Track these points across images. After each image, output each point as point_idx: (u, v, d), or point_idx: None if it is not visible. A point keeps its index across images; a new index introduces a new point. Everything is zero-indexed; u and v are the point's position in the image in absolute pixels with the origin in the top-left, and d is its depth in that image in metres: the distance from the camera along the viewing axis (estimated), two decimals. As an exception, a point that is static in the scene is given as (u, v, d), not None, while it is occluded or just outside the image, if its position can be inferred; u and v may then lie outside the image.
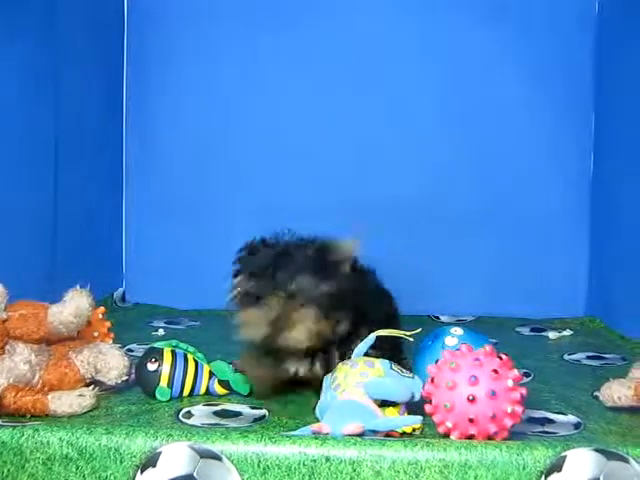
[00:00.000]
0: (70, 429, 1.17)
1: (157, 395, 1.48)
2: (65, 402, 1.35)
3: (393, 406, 1.31)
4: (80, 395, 1.38)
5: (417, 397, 1.31)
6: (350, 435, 1.18)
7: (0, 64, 1.73)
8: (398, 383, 1.32)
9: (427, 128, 2.37)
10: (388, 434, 1.24)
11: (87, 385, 1.44)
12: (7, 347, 1.40)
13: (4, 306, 1.42)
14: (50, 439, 1.15)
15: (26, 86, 1.85)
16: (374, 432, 1.22)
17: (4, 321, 1.40)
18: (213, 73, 2.43)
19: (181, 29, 2.43)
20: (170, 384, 1.49)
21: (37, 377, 1.41)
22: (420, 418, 1.26)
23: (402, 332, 1.46)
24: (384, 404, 1.30)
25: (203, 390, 1.52)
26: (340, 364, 1.38)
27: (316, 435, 1.19)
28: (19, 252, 1.79)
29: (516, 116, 2.36)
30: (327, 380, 1.37)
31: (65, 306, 1.44)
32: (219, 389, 1.52)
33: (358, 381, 1.30)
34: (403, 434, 1.26)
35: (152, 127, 2.46)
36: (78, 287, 1.47)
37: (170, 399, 1.48)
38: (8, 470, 1.15)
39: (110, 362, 1.48)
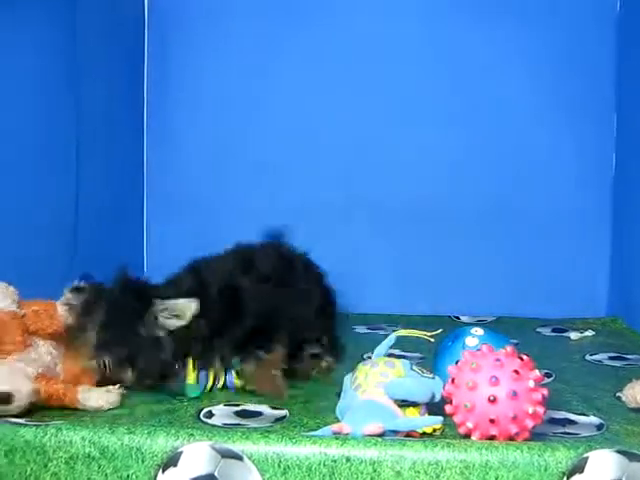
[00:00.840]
0: (92, 428, 1.17)
1: (187, 392, 1.48)
2: (94, 396, 1.38)
3: (413, 406, 1.30)
4: (107, 391, 1.41)
5: (438, 397, 1.31)
6: (371, 435, 1.18)
7: (22, 64, 1.74)
8: (419, 383, 1.31)
9: (444, 128, 2.37)
10: (408, 434, 1.23)
11: None
12: (28, 341, 1.41)
13: (17, 303, 1.43)
14: (73, 438, 1.16)
15: (47, 85, 1.86)
16: (395, 432, 1.22)
17: (22, 317, 1.42)
18: (232, 72, 2.44)
19: (200, 28, 2.44)
20: (197, 379, 1.50)
21: (59, 369, 1.44)
22: (441, 419, 1.25)
23: (423, 332, 1.46)
24: (404, 404, 1.29)
25: (221, 383, 1.53)
26: (360, 364, 1.38)
27: (337, 435, 1.19)
28: (40, 251, 1.80)
29: (537, 116, 2.35)
30: (347, 381, 1.37)
31: None
32: (237, 381, 1.53)
33: (379, 381, 1.29)
34: (423, 434, 1.25)
35: (172, 126, 2.47)
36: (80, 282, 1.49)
37: (200, 394, 1.49)
38: (31, 469, 1.16)
39: None
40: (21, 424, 1.20)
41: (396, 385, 1.29)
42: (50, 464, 1.16)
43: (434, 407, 1.31)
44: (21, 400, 1.28)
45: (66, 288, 1.49)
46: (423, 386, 1.31)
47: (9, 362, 1.35)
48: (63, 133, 1.95)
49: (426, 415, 1.30)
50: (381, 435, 1.18)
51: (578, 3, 2.33)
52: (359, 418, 1.23)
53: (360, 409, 1.26)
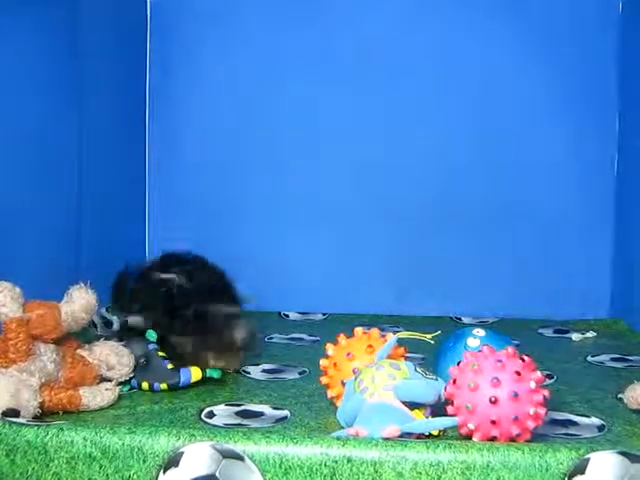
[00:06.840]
0: (94, 429, 1.17)
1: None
2: (97, 396, 1.41)
3: (418, 408, 1.30)
4: (107, 389, 1.44)
5: (443, 399, 1.30)
6: (389, 438, 1.17)
7: (24, 64, 1.74)
8: (427, 385, 1.31)
9: (450, 129, 2.37)
10: (419, 436, 1.22)
11: (100, 381, 1.50)
12: (32, 349, 1.41)
13: (22, 306, 1.43)
14: (74, 438, 1.16)
15: (50, 86, 1.86)
16: (409, 434, 1.20)
17: (27, 322, 1.41)
18: (233, 72, 2.43)
19: (202, 29, 2.43)
20: None
21: (60, 375, 1.43)
22: (456, 419, 1.23)
23: (422, 334, 1.46)
24: (411, 406, 1.28)
25: None
26: (364, 367, 1.37)
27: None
28: (43, 251, 1.81)
29: (539, 116, 2.34)
30: (350, 384, 1.35)
31: (75, 303, 1.46)
32: (194, 373, 1.55)
33: (387, 384, 1.28)
34: (430, 435, 1.25)
35: (174, 126, 2.47)
36: (82, 284, 1.49)
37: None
38: (33, 469, 1.16)
39: (123, 359, 1.53)
40: (23, 424, 1.20)
41: (406, 387, 1.28)
42: (51, 464, 1.16)
43: (435, 408, 1.31)
44: (28, 415, 1.29)
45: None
46: (431, 388, 1.30)
47: (14, 374, 1.34)
48: (66, 133, 1.95)
49: (430, 417, 1.30)
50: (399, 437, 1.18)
51: (580, 3, 2.33)
52: (375, 421, 1.21)
53: (374, 412, 1.24)
